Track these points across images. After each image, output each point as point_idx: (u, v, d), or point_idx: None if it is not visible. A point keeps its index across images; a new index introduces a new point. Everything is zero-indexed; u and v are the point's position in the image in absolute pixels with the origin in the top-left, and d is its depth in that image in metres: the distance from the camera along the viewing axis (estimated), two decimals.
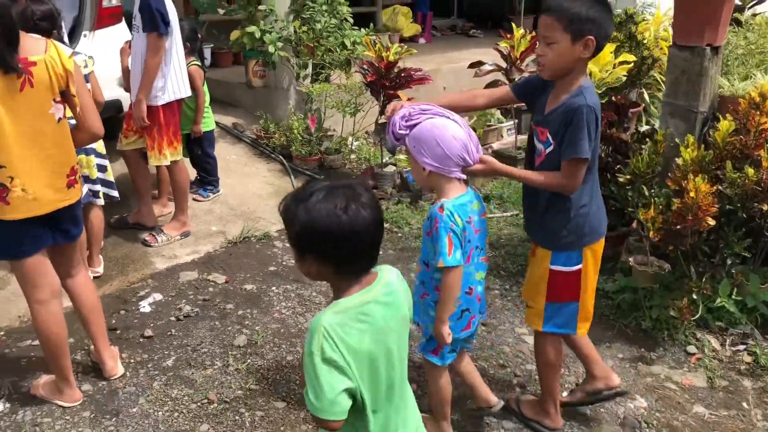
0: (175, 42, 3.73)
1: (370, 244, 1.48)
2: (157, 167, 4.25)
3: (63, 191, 2.51)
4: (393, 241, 4.23)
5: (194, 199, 4.52)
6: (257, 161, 5.35)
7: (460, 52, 8.04)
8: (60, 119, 2.46)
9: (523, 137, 5.74)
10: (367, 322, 1.46)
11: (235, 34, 5.85)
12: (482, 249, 2.32)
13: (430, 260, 2.21)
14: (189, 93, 3.95)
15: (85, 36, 4.42)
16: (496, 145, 5.70)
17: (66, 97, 2.48)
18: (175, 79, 3.76)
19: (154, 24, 3.52)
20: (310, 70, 5.79)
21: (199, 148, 4.54)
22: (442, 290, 2.18)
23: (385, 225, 4.36)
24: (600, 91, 5.57)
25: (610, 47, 5.71)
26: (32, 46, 2.38)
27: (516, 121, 5.61)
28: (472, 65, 5.26)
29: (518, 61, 5.08)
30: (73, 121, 2.59)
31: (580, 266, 2.37)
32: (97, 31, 4.50)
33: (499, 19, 10.42)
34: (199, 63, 4.32)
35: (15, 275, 2.64)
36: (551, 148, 2.27)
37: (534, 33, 5.66)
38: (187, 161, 4.36)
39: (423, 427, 1.71)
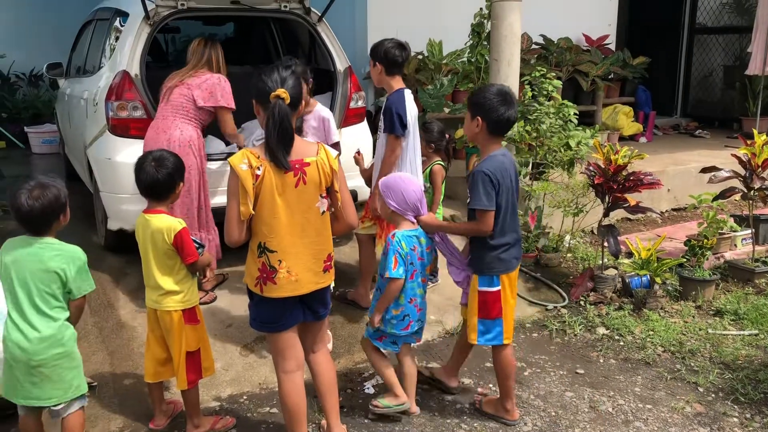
0: (411, 142, 4.01)
1: (25, 215, 2.60)
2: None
3: (320, 275, 2.79)
4: (614, 349, 4.03)
5: None
6: None
7: (686, 154, 7.66)
8: (323, 212, 2.78)
9: (761, 248, 5.28)
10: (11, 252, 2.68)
11: (459, 132, 6.17)
12: (423, 273, 3.24)
13: (382, 272, 3.14)
14: None
15: None
16: (728, 255, 5.20)
17: (330, 193, 2.80)
18: None
19: (393, 126, 3.84)
20: (530, 167, 5.89)
21: None
22: (384, 293, 3.14)
23: (605, 332, 4.21)
24: None
25: None
26: (307, 149, 2.74)
27: (753, 230, 5.20)
28: (705, 170, 5.02)
29: (759, 169, 4.76)
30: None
31: (498, 288, 3.13)
32: (343, 129, 5.01)
33: (727, 118, 9.86)
34: (442, 162, 4.56)
35: (269, 346, 2.95)
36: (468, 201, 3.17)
37: None
38: None
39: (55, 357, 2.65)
